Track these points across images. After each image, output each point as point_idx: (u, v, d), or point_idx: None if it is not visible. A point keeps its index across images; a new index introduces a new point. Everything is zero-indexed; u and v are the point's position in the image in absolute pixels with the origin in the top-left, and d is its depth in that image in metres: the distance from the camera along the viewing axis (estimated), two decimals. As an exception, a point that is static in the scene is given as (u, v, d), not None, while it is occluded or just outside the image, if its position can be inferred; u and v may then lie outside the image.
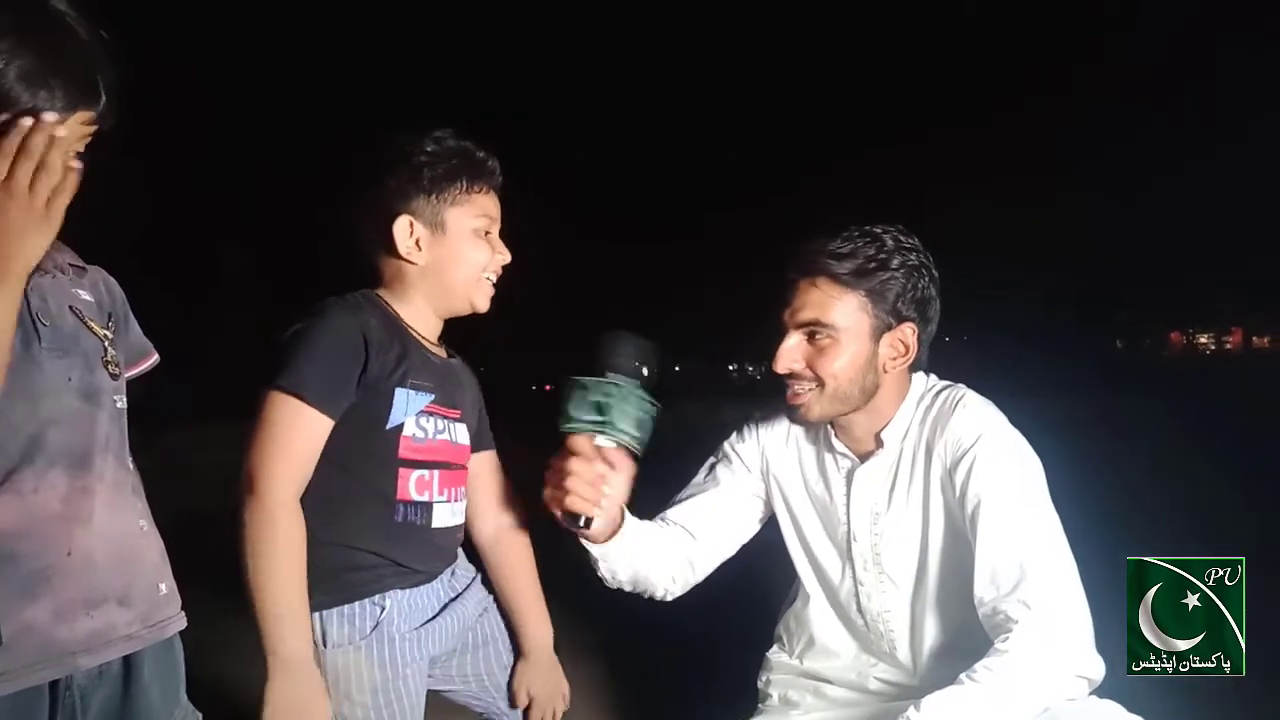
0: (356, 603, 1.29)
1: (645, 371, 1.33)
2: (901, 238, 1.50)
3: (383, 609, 1.29)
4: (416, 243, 1.37)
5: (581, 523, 1.35)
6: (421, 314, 1.41)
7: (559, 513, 1.35)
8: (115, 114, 1.05)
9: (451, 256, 1.38)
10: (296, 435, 1.24)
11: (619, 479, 1.37)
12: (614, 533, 1.47)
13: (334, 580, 1.27)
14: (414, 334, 1.39)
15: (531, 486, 1.43)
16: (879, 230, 1.50)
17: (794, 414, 1.53)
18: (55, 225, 0.96)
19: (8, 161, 0.94)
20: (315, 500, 1.26)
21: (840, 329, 1.47)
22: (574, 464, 1.32)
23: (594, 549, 1.48)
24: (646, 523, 1.57)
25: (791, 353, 1.49)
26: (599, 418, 1.29)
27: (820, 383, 1.48)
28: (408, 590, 1.33)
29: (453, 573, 1.45)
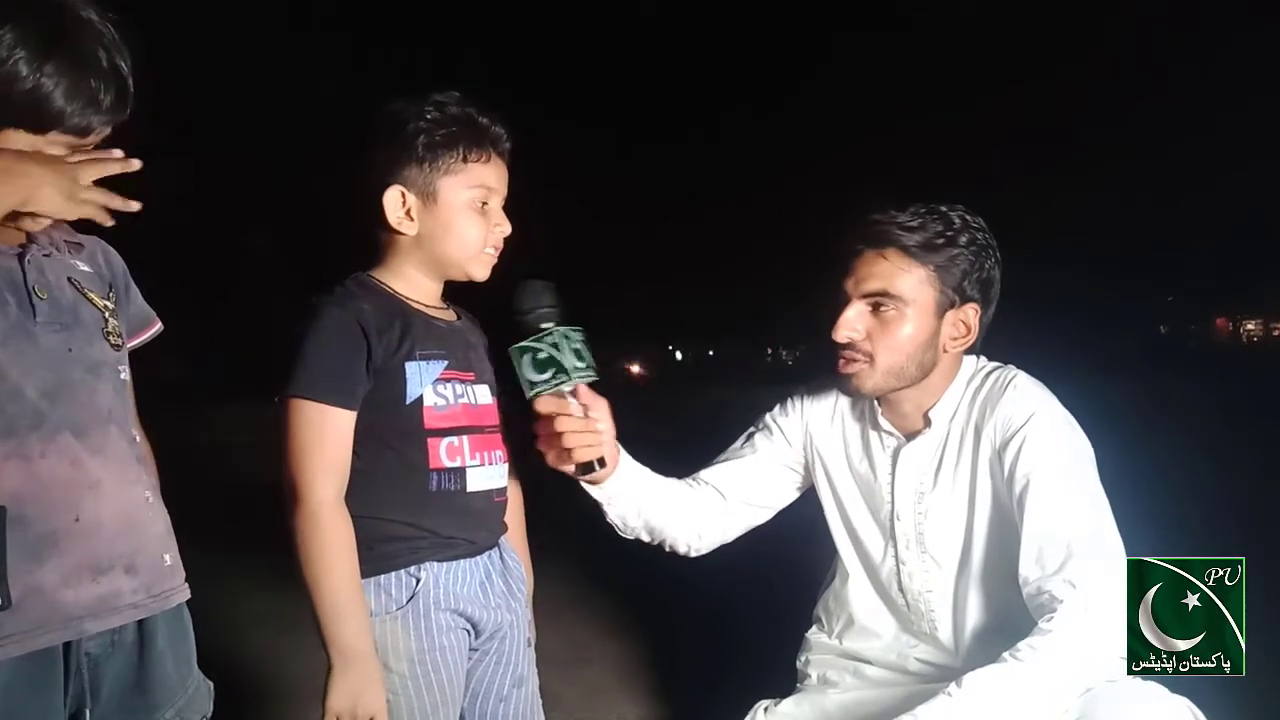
0: (392, 573, 1.29)
1: (557, 305, 1.36)
2: (968, 216, 1.50)
3: (418, 580, 1.30)
4: (408, 213, 1.33)
5: (597, 468, 1.39)
6: (418, 283, 1.38)
7: (571, 469, 1.39)
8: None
9: (444, 228, 1.33)
10: (324, 437, 1.25)
11: (600, 411, 1.40)
12: (612, 470, 1.48)
13: (369, 552, 1.27)
14: (414, 305, 1.36)
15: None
16: (945, 208, 1.50)
17: (845, 384, 1.52)
18: (68, 203, 0.98)
19: (78, 158, 0.99)
20: (350, 476, 1.27)
21: (907, 301, 1.47)
22: (561, 421, 1.35)
23: (597, 493, 1.50)
24: (646, 469, 1.57)
25: (852, 322, 1.48)
26: (554, 370, 1.33)
27: (872, 358, 1.48)
28: (445, 563, 1.33)
29: (503, 561, 1.42)
